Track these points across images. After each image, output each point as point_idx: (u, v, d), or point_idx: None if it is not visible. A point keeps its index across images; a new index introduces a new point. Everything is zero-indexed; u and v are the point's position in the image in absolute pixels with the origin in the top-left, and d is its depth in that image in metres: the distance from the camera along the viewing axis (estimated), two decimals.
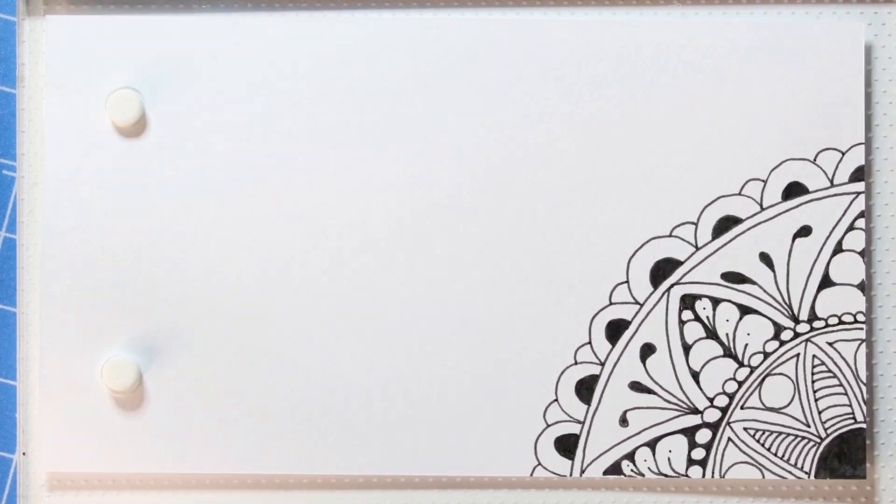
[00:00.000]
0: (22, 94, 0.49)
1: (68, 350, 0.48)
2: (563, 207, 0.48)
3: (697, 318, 0.48)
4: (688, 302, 0.48)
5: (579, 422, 0.48)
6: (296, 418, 0.48)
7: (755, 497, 0.49)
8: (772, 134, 0.48)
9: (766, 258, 0.48)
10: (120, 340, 0.48)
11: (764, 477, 0.48)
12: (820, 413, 0.48)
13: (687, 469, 0.48)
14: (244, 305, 0.48)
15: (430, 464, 0.48)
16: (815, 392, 0.48)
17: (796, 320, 0.48)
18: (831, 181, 0.48)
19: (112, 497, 0.49)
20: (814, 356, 0.48)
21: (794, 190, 0.48)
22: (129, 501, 0.49)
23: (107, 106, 0.48)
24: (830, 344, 0.48)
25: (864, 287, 0.48)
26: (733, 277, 0.48)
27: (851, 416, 0.48)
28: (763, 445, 0.48)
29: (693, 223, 0.48)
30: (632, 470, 0.48)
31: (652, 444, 0.48)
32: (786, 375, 0.48)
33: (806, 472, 0.48)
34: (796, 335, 0.48)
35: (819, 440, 0.48)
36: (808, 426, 0.48)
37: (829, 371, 0.48)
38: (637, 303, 0.48)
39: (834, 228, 0.48)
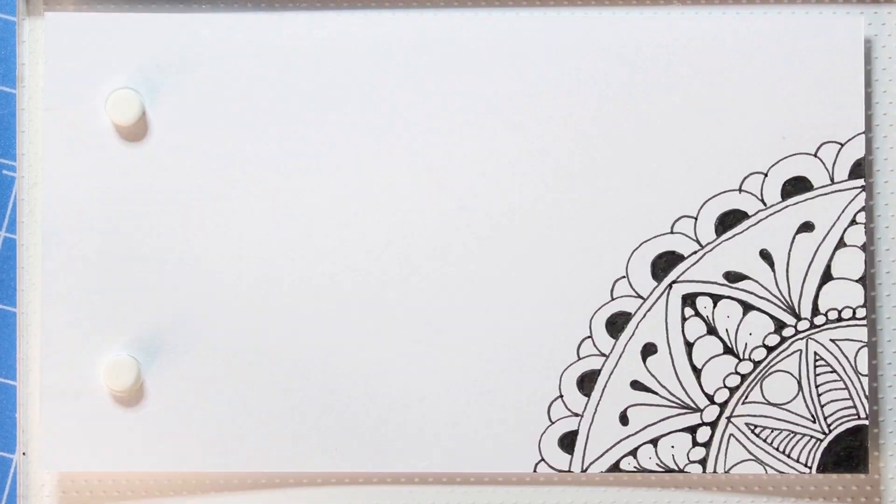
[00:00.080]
0: (22, 94, 0.49)
1: (69, 350, 0.48)
2: (564, 204, 0.48)
3: (699, 315, 0.48)
4: (689, 299, 0.48)
5: (579, 415, 0.48)
6: (296, 417, 0.48)
7: (758, 493, 0.49)
8: (772, 131, 0.48)
9: (766, 255, 0.48)
10: (120, 340, 0.48)
11: (767, 473, 0.48)
12: (822, 408, 0.48)
13: (689, 465, 0.48)
14: (244, 305, 0.48)
15: (433, 461, 0.48)
16: (817, 388, 0.48)
17: (798, 317, 0.48)
18: (832, 176, 0.48)
19: (112, 497, 0.49)
20: (816, 352, 0.48)
21: (795, 186, 0.48)
22: (129, 501, 0.49)
23: (107, 106, 0.48)
24: (833, 340, 0.48)
25: (865, 282, 0.48)
26: (734, 274, 0.48)
27: (854, 411, 0.48)
28: (766, 441, 0.48)
29: (693, 217, 0.48)
30: (634, 466, 0.48)
31: (654, 441, 0.48)
32: (788, 372, 0.48)
33: (809, 468, 0.48)
34: (798, 332, 0.48)
35: (822, 436, 0.48)
36: (811, 422, 0.48)
37: (832, 367, 0.48)
38: (640, 297, 0.48)
39: (835, 223, 0.48)
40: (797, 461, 0.48)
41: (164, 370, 0.48)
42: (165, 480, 0.49)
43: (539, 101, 0.48)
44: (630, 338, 0.48)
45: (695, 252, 0.48)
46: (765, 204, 0.48)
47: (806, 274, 0.48)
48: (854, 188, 0.48)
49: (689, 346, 0.48)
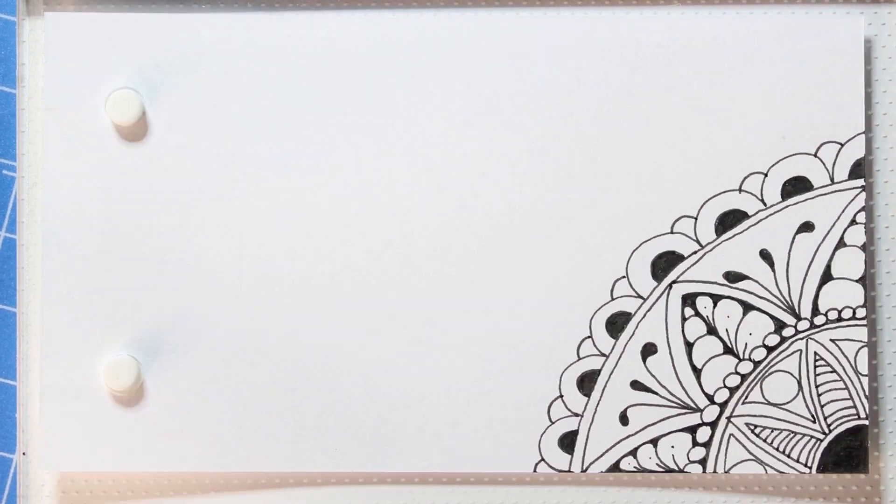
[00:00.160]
0: (22, 94, 0.49)
1: (69, 350, 0.48)
2: (564, 204, 0.48)
3: (698, 315, 0.48)
4: (689, 299, 0.48)
5: (579, 415, 0.48)
6: (296, 417, 0.48)
7: (758, 493, 0.49)
8: (772, 131, 0.48)
9: (766, 255, 0.48)
10: (120, 340, 0.48)
11: (766, 473, 0.48)
12: (822, 408, 0.48)
13: (689, 465, 0.48)
14: (244, 305, 0.48)
15: (433, 461, 0.48)
16: (817, 388, 0.48)
17: (798, 317, 0.48)
18: (832, 176, 0.48)
19: (112, 497, 0.49)
20: (816, 352, 0.48)
21: (795, 186, 0.48)
22: (129, 501, 0.49)
23: (107, 106, 0.48)
24: (833, 340, 0.48)
25: (865, 282, 0.48)
26: (734, 274, 0.48)
27: (854, 411, 0.48)
28: (766, 441, 0.48)
29: (693, 217, 0.48)
30: (634, 466, 0.48)
31: (654, 441, 0.48)
32: (788, 372, 0.48)
33: (809, 468, 0.48)
34: (798, 332, 0.48)
35: (822, 436, 0.48)
36: (811, 422, 0.48)
37: (832, 367, 0.48)
38: (640, 297, 0.48)
39: (835, 224, 0.48)
40: (797, 461, 0.48)
41: (164, 370, 0.48)
42: (165, 480, 0.49)
43: (539, 101, 0.48)
44: (630, 338, 0.48)
45: (695, 252, 0.48)
46: (765, 204, 0.48)
47: (806, 274, 0.48)
48: (854, 188, 0.48)
49: (689, 346, 0.48)
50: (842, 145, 0.48)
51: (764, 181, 0.48)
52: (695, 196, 0.48)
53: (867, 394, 0.48)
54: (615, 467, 0.48)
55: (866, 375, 0.48)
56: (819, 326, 0.48)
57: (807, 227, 0.48)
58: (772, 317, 0.48)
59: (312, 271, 0.48)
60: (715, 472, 0.48)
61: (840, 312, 0.48)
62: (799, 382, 0.48)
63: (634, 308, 0.48)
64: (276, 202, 0.48)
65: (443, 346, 0.48)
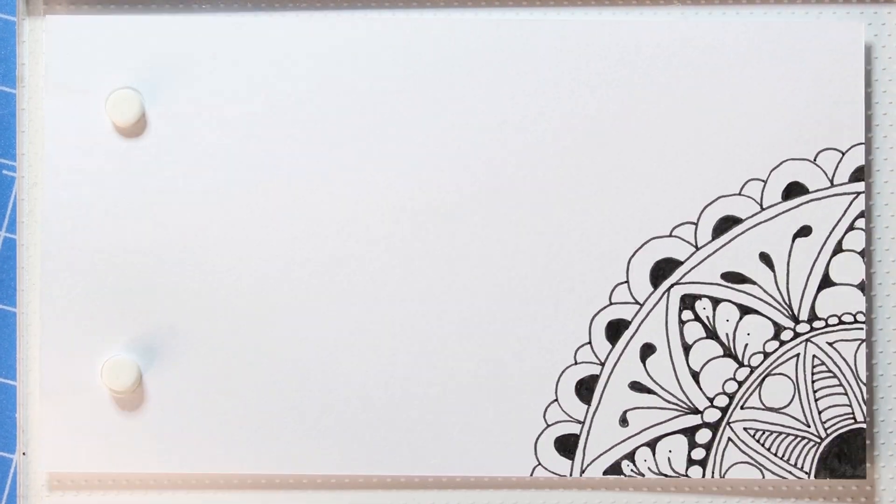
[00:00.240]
0: (22, 94, 0.49)
1: (68, 350, 0.48)
2: (563, 207, 0.48)
3: (697, 318, 0.48)
4: (688, 302, 0.48)
5: (579, 422, 0.48)
6: (296, 418, 0.48)
7: (755, 497, 0.49)
8: (772, 134, 0.48)
9: (766, 258, 0.48)
10: (120, 340, 0.48)
11: (764, 477, 0.48)
12: (820, 413, 0.48)
13: (687, 469, 0.48)
14: (244, 306, 0.48)
15: (430, 464, 0.48)
16: (815, 392, 0.48)
17: (796, 320, 0.48)
18: (831, 181, 0.48)
19: (112, 497, 0.49)
20: (814, 356, 0.48)
21: (794, 190, 0.48)
22: (129, 501, 0.49)
23: (107, 106, 0.48)
24: (830, 344, 0.48)
25: (864, 287, 0.48)
26: (733, 277, 0.48)
27: (851, 415, 0.48)
28: (763, 445, 0.48)
29: (693, 223, 0.48)
30: (632, 470, 0.48)
31: (652, 444, 0.48)
32: (786, 375, 0.48)
33: (806, 472, 0.48)
34: (796, 335, 0.48)
35: (819, 440, 0.48)
36: (808, 426, 0.48)
37: (829, 371, 0.48)
38: (637, 303, 0.48)
39: (834, 228, 0.48)
40: (794, 465, 0.48)
41: (164, 371, 0.48)
42: (165, 481, 0.49)
43: (539, 102, 0.48)
44: (628, 342, 0.48)
45: (694, 256, 0.48)
46: (763, 208, 0.48)
47: (807, 278, 0.48)
48: (853, 192, 0.48)
49: (688, 348, 0.48)
50: (843, 154, 0.48)
51: (763, 186, 0.48)
52: (695, 200, 0.48)
53: (865, 398, 0.48)
54: (613, 470, 0.48)
55: (864, 382, 0.48)
56: (817, 330, 0.48)
57: (805, 231, 0.48)
58: (770, 320, 0.48)
59: (312, 272, 0.48)
60: (713, 475, 0.48)
61: (840, 318, 0.48)
62: (797, 386, 0.48)
63: (633, 312, 0.48)
64: (277, 202, 0.48)
65: (441, 348, 0.48)
